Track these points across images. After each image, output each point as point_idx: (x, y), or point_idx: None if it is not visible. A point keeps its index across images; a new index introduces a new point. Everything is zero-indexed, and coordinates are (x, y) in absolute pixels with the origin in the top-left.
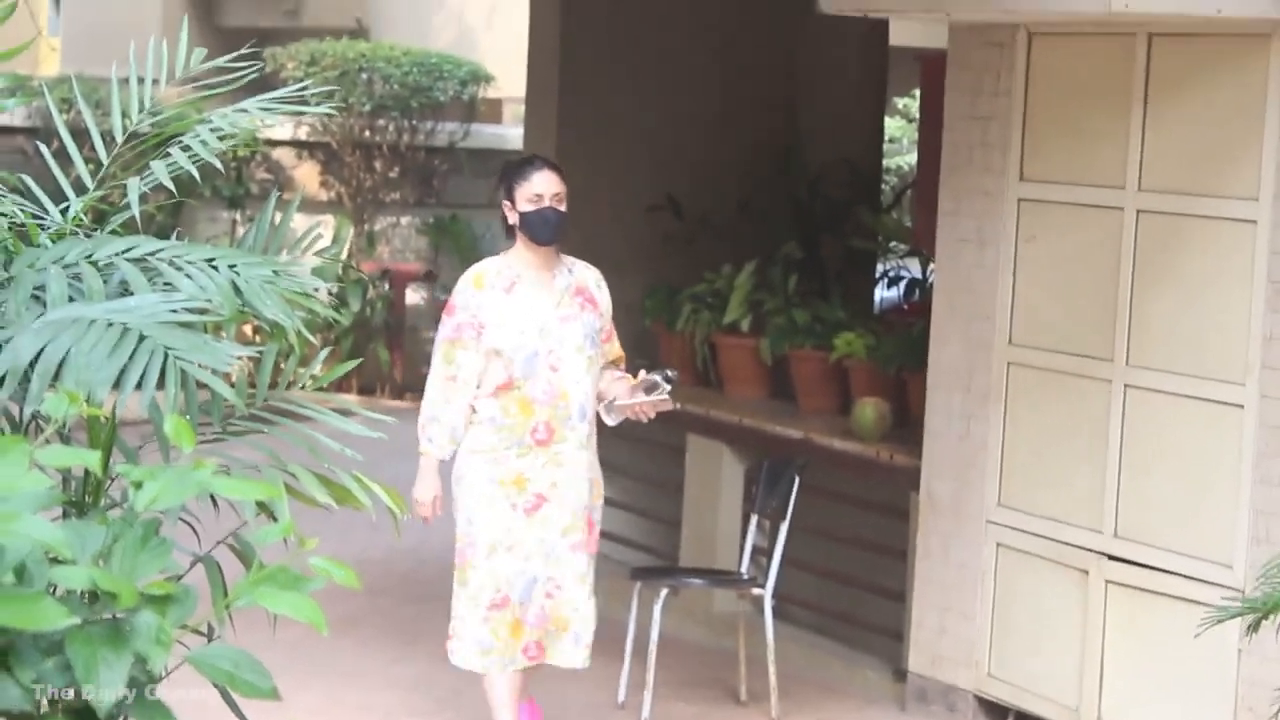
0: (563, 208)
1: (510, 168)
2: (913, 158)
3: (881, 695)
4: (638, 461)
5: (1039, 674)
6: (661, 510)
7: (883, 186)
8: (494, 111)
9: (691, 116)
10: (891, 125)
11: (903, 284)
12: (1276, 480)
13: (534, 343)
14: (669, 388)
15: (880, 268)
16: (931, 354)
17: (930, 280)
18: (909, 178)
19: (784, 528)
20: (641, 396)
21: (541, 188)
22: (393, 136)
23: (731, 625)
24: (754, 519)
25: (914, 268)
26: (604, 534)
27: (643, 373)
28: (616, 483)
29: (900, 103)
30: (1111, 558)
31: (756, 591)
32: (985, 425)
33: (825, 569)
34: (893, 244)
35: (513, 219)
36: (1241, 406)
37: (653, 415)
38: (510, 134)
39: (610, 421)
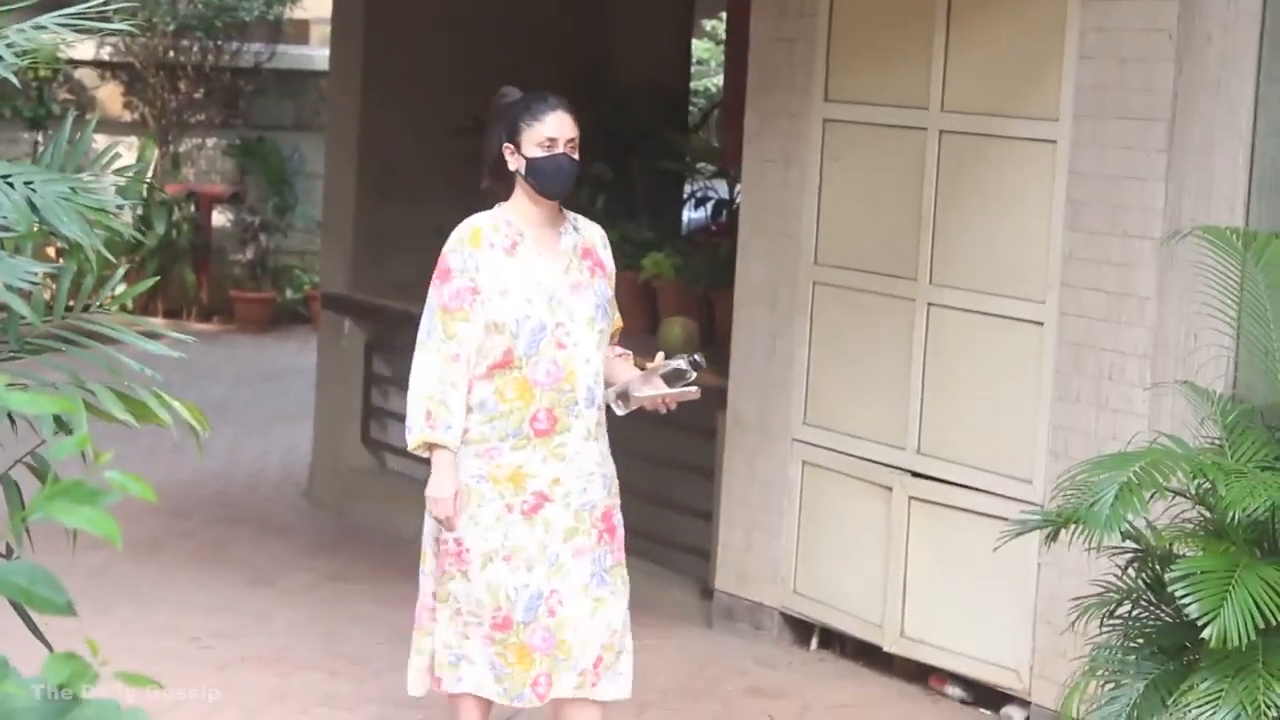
0: (576, 156)
1: (515, 106)
2: (720, 79)
3: (688, 613)
4: None
5: (844, 590)
6: None
7: (690, 108)
8: (300, 32)
9: (499, 38)
10: (699, 47)
11: (710, 205)
12: (1074, 396)
13: (542, 314)
14: (694, 375)
15: (687, 188)
16: (738, 273)
17: (737, 201)
18: (716, 99)
19: None
20: (662, 387)
21: (555, 130)
22: (197, 57)
23: None
24: None
25: (721, 188)
26: (412, 456)
27: (660, 357)
28: None
29: (708, 24)
30: (915, 474)
31: None
32: (791, 344)
33: (632, 488)
34: (700, 165)
35: (515, 165)
36: (1041, 324)
37: (674, 407)
38: (317, 55)
39: (620, 411)
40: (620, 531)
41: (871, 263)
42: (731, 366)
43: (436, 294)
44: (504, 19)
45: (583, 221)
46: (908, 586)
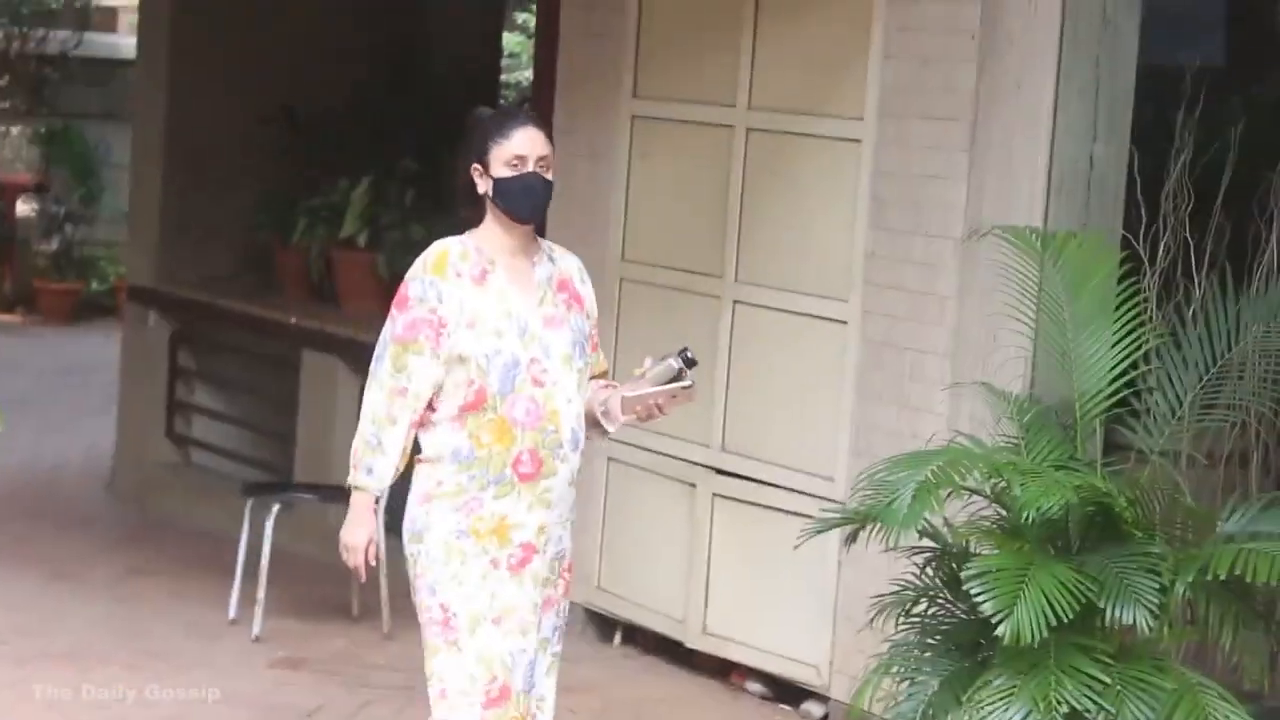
0: (550, 175)
1: (484, 125)
2: (530, 73)
3: None
4: (251, 376)
5: (647, 587)
6: (276, 426)
7: (501, 101)
8: (108, 20)
9: (309, 28)
10: (510, 40)
11: None
12: (876, 394)
13: (514, 349)
14: (687, 371)
15: None
16: None
17: None
18: (527, 93)
19: None
20: (646, 388)
21: (524, 148)
22: (2, 44)
23: None
24: None
25: None
26: (218, 450)
27: (648, 360)
28: (230, 397)
29: (520, 17)
30: (719, 471)
31: None
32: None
33: None
34: None
35: (484, 187)
36: (845, 322)
37: (669, 411)
38: (124, 43)
39: (612, 428)
40: (571, 571)
41: (678, 260)
42: None
43: (391, 323)
44: (314, 9)
45: (559, 251)
46: (710, 583)
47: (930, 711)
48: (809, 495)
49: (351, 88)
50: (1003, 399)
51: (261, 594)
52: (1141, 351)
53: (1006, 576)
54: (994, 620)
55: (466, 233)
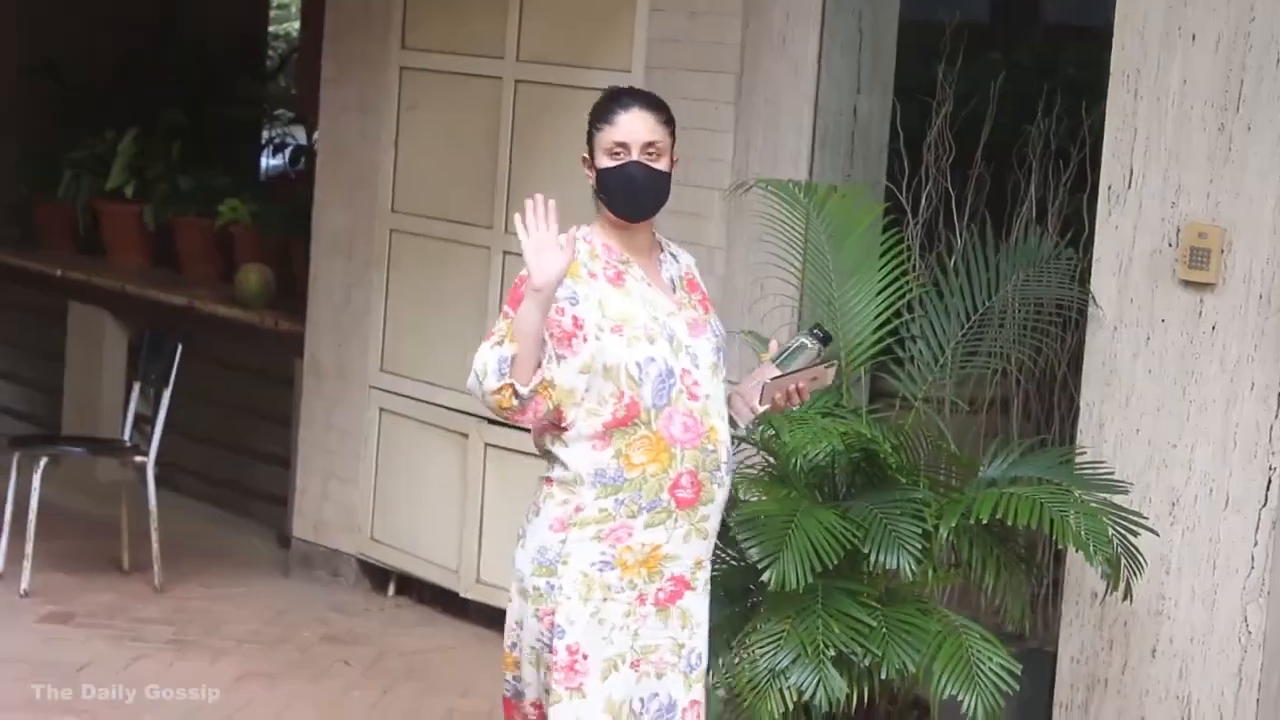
0: (662, 166)
1: (593, 107)
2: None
3: (266, 561)
4: (16, 328)
5: (420, 538)
6: (42, 378)
7: (269, 52)
8: None
9: None
10: None
11: (288, 151)
12: None
13: (666, 357)
14: (821, 351)
15: (265, 134)
16: (315, 221)
17: (315, 148)
18: (295, 44)
19: (166, 395)
20: (774, 372)
21: (627, 134)
22: None
23: (114, 494)
24: (137, 387)
25: (300, 135)
26: None
27: (774, 343)
28: None
29: None
30: (490, 421)
31: (139, 459)
32: (368, 292)
33: (210, 436)
34: (278, 111)
35: (590, 179)
36: None
37: (807, 396)
38: None
39: (745, 421)
40: None
41: (448, 211)
42: (308, 314)
43: (507, 322)
44: None
45: (675, 247)
46: (484, 533)
47: None
48: None
49: (117, 40)
50: (768, 347)
51: (30, 548)
52: (905, 300)
53: (773, 523)
54: (761, 566)
55: (581, 229)
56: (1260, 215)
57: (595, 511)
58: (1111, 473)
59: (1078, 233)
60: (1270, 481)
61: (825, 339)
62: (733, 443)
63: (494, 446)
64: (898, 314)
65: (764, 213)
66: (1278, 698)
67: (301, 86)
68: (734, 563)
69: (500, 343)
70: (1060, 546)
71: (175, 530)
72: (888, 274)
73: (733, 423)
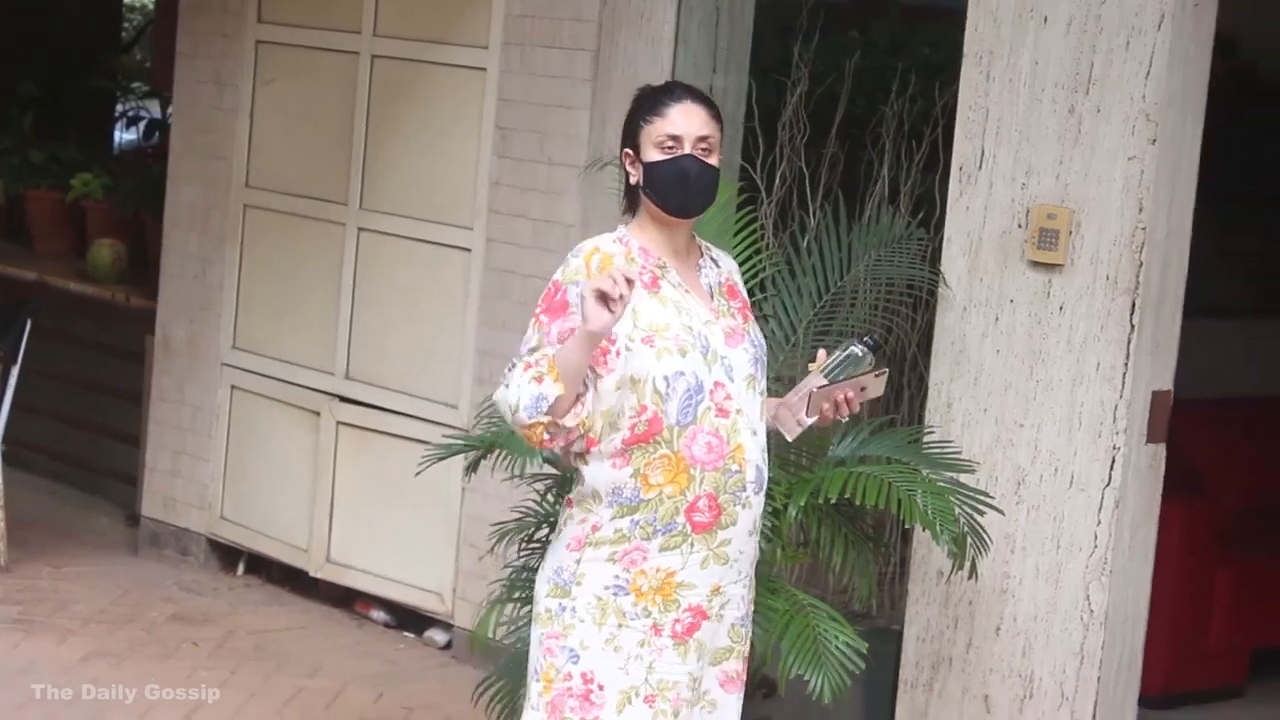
0: (714, 160)
1: (635, 103)
2: None
3: (114, 540)
4: None
5: (271, 516)
6: None
7: (124, 25)
8: None
9: None
10: None
11: (143, 125)
12: (499, 322)
13: (698, 370)
14: (871, 359)
15: (120, 108)
16: (169, 196)
17: (170, 121)
18: (151, 17)
19: (15, 372)
20: (821, 381)
21: (680, 126)
22: None
23: None
24: None
25: (155, 109)
26: None
27: (821, 353)
28: None
29: None
30: (343, 399)
31: None
32: (221, 268)
33: (59, 413)
34: (133, 84)
35: (635, 176)
36: (469, 250)
37: (856, 407)
38: None
39: (793, 435)
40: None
41: (303, 187)
42: (161, 290)
43: (540, 330)
44: None
45: (717, 251)
46: (335, 512)
47: None
48: (433, 423)
49: None
50: None
51: None
52: (758, 280)
53: None
54: None
55: (620, 230)
56: (1109, 197)
57: (611, 532)
58: (959, 452)
59: (929, 213)
60: (1114, 461)
61: (875, 347)
62: (769, 458)
63: (346, 425)
64: (751, 293)
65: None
66: (1118, 675)
67: (157, 59)
68: None
69: (540, 379)
70: (908, 525)
71: (23, 509)
72: (742, 252)
73: (780, 436)
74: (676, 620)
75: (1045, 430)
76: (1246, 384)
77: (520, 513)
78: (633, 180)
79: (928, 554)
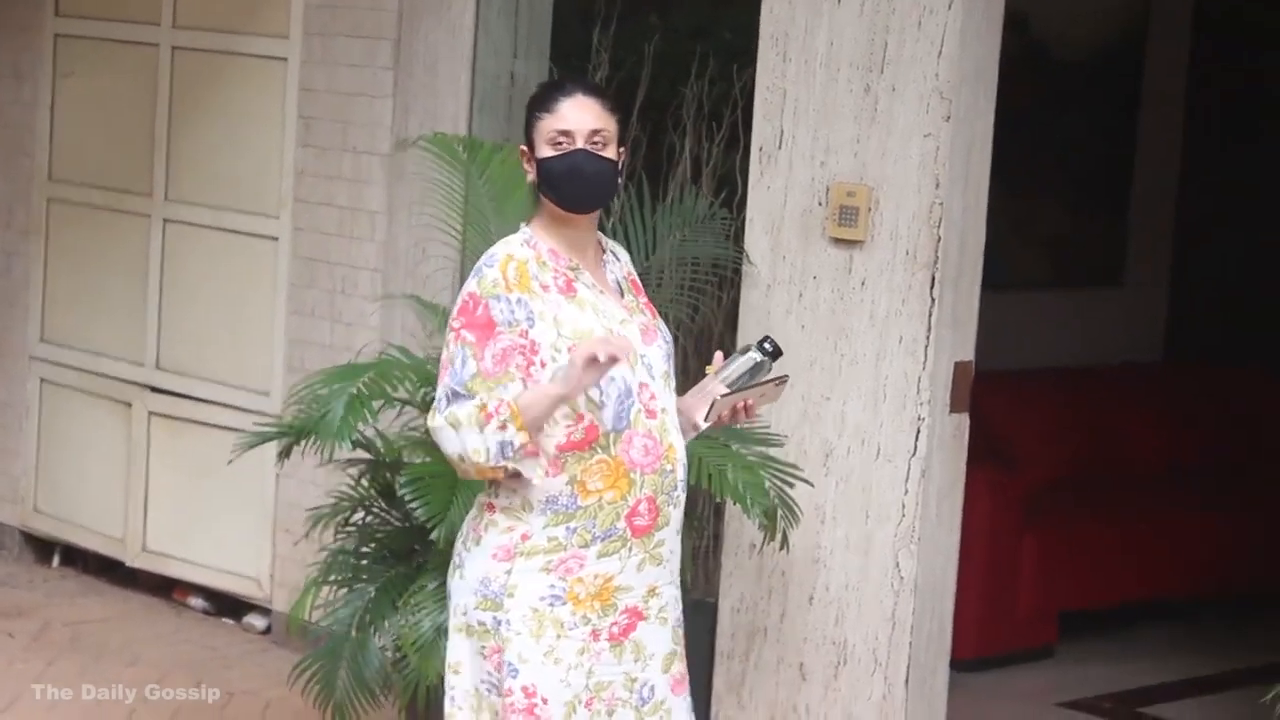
0: (609, 153)
1: (531, 97)
2: None
3: None
4: None
5: (85, 507)
6: None
7: None
8: None
9: None
10: None
11: None
12: (308, 310)
13: (625, 374)
14: (772, 364)
15: None
16: None
17: None
18: None
19: None
20: (722, 388)
21: (571, 121)
22: None
23: None
24: None
25: None
26: None
27: (718, 355)
28: None
29: None
30: (154, 389)
31: None
32: (27, 261)
33: None
34: None
35: (531, 173)
36: (276, 239)
37: (756, 413)
38: None
39: (686, 438)
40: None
41: (106, 179)
42: None
43: (465, 353)
44: None
45: (612, 244)
46: (150, 501)
47: (367, 616)
48: (245, 411)
49: None
50: (432, 311)
51: None
52: None
53: (439, 484)
54: (428, 525)
55: (522, 231)
56: (905, 174)
57: (544, 540)
58: (767, 426)
59: (731, 193)
60: (919, 432)
61: (775, 353)
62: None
63: (158, 415)
64: None
65: (425, 176)
66: (929, 640)
67: None
68: (400, 524)
69: (504, 426)
70: (719, 500)
71: None
72: None
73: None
74: (614, 623)
75: (851, 403)
76: (1048, 355)
77: (335, 497)
78: (529, 178)
79: (740, 527)
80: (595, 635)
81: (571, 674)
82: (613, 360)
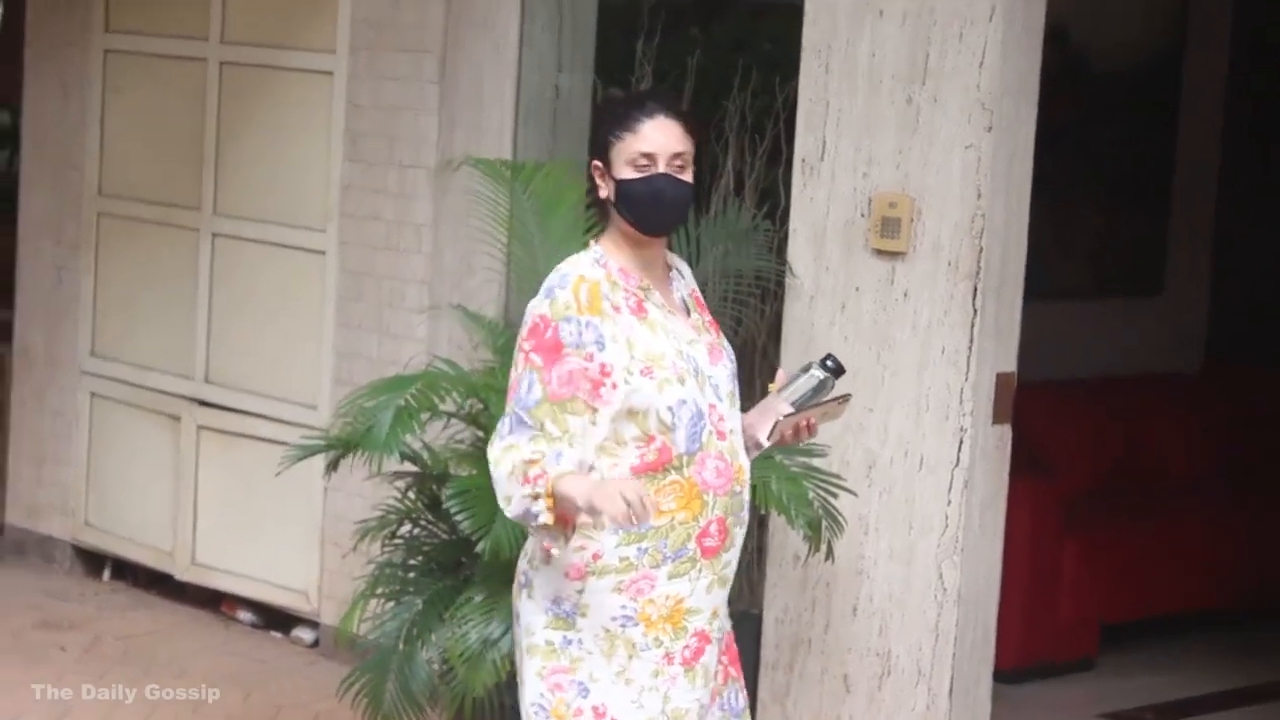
0: (688, 176)
1: (605, 112)
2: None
3: None
4: None
5: (135, 521)
6: None
7: None
8: None
9: None
10: None
11: None
12: (355, 323)
13: (695, 396)
14: (834, 381)
15: None
16: (21, 205)
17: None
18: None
19: None
20: (786, 407)
21: (653, 143)
22: None
23: None
24: None
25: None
26: None
27: (781, 373)
28: None
29: None
30: (203, 403)
31: None
32: (77, 275)
33: None
34: None
35: (605, 191)
36: (323, 253)
37: (816, 433)
38: None
39: (750, 457)
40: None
41: (155, 194)
42: (18, 299)
43: (533, 376)
44: None
45: (676, 260)
46: (198, 515)
47: (414, 630)
48: (293, 424)
49: None
50: (478, 322)
51: None
52: None
53: (485, 496)
54: (474, 538)
55: (592, 249)
56: (947, 185)
57: (615, 560)
58: (811, 437)
59: (774, 205)
60: (962, 442)
61: (838, 370)
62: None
63: (207, 429)
64: None
65: (470, 189)
66: (972, 650)
67: (4, 68)
68: (446, 536)
69: (536, 497)
70: (763, 511)
71: None
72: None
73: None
74: (686, 646)
75: (894, 414)
76: (1089, 364)
77: (382, 510)
78: (603, 194)
79: (784, 539)
80: (669, 659)
81: (645, 696)
82: (626, 520)
